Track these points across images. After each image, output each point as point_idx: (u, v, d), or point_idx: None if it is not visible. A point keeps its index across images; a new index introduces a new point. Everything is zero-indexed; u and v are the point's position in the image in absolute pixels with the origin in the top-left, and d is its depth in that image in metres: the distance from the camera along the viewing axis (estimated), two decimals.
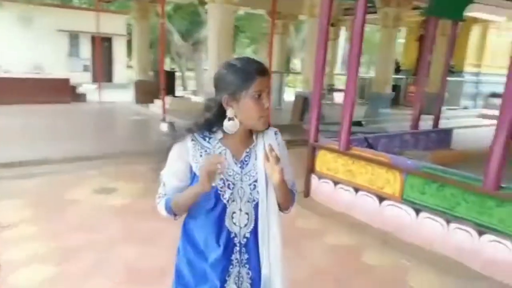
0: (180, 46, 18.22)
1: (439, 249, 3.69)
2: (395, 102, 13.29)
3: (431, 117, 6.80)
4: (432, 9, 6.55)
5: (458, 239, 3.58)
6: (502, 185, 3.34)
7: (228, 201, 1.43)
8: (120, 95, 14.31)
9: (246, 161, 1.47)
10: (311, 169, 5.00)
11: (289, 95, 13.87)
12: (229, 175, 1.43)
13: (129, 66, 20.60)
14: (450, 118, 11.06)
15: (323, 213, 4.51)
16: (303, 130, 7.93)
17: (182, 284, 1.51)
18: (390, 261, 3.61)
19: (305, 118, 9.80)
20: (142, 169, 6.00)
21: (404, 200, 4.06)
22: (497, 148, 3.32)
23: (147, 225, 3.99)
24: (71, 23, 18.51)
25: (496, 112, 12.19)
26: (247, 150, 1.48)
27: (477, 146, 7.37)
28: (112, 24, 18.38)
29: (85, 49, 19.88)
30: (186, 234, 1.51)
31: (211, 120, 1.44)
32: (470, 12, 7.26)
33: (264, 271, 1.46)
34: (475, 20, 14.09)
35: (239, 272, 1.47)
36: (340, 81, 19.41)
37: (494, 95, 14.26)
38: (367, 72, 26.19)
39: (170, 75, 13.48)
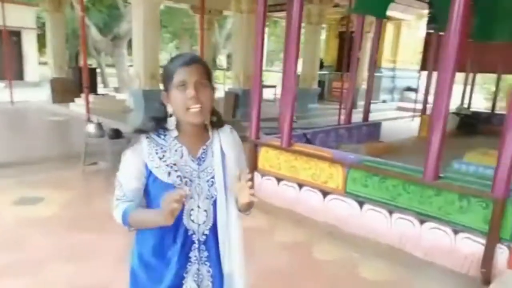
0: (99, 41, 17.15)
1: (384, 239, 3.82)
2: (321, 97, 13.74)
3: (356, 110, 7.10)
4: (357, 7, 6.82)
5: (401, 228, 3.74)
6: (441, 175, 3.54)
7: (186, 198, 1.36)
8: (33, 94, 13.15)
9: (203, 157, 1.46)
10: (253, 167, 4.93)
11: (217, 92, 13.70)
12: (186, 172, 1.42)
13: (42, 63, 19.01)
14: (372, 111, 11.66)
15: (268, 210, 4.47)
16: (237, 127, 7.87)
17: (139, 286, 1.50)
18: (339, 254, 3.66)
19: (237, 115, 9.75)
20: (70, 175, 5.53)
21: (347, 193, 4.15)
22: (435, 140, 3.50)
23: (81, 237, 3.66)
24: None
25: (411, 105, 13.09)
26: (204, 147, 1.48)
27: (401, 137, 7.90)
28: (21, 16, 16.82)
29: None
30: (141, 235, 1.49)
31: (159, 118, 1.45)
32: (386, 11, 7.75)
33: (225, 269, 1.46)
34: (389, 18, 15.05)
35: (198, 270, 1.46)
36: (267, 77, 19.61)
37: (409, 89, 15.38)
38: None
39: (91, 72, 12.64)
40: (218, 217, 1.45)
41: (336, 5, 14.65)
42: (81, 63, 9.32)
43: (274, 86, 14.18)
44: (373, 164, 4.02)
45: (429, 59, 9.03)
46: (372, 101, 7.42)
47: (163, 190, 1.32)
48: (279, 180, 4.73)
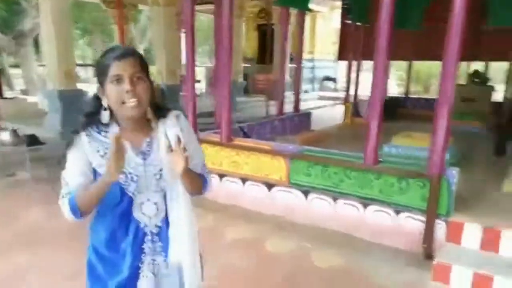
0: None
1: (331, 226, 3.92)
2: (245, 90, 13.81)
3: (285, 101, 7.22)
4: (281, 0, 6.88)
5: (346, 213, 3.87)
6: (380, 159, 3.71)
7: (134, 193, 1.43)
8: None
9: (148, 151, 1.45)
10: None
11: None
12: (132, 168, 1.41)
13: None
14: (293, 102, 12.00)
15: (214, 208, 4.36)
16: None
17: (95, 277, 1.51)
18: (291, 245, 3.69)
19: None
20: None
21: (291, 184, 4.19)
22: (373, 127, 3.65)
23: (15, 261, 3.26)
24: None
25: (331, 94, 13.68)
26: (148, 139, 1.46)
27: (329, 125, 8.20)
28: None
29: None
30: (94, 229, 1.51)
31: (92, 113, 1.43)
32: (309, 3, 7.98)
33: (172, 257, 1.48)
34: (311, 11, 15.54)
35: (153, 260, 1.49)
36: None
37: (327, 78, 16.05)
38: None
39: None
40: (168, 210, 1.47)
41: None
42: None
43: (198, 81, 13.93)
44: (314, 154, 4.10)
45: (348, 49, 9.44)
46: (293, 92, 7.57)
47: (110, 188, 1.34)
48: (221, 176, 4.64)
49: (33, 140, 5.69)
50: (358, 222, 3.79)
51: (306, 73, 16.24)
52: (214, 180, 4.64)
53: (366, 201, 3.76)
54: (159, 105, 1.50)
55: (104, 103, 1.40)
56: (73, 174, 1.40)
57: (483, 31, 7.07)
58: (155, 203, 1.46)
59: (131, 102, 1.35)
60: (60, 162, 1.43)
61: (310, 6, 14.54)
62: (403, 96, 10.22)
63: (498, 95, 8.22)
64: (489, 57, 8.70)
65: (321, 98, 14.14)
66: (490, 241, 3.14)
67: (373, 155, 3.68)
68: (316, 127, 7.52)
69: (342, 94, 14.05)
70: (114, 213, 1.44)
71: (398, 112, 9.11)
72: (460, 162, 4.29)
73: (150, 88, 1.41)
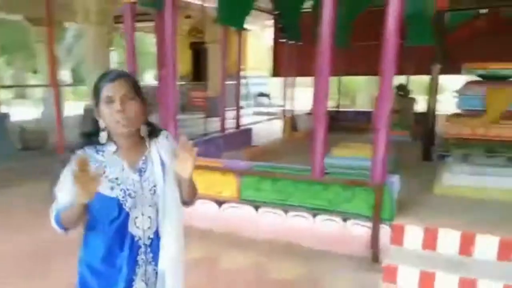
0: None
1: (283, 238, 4.03)
2: (181, 108, 13.71)
3: (215, 119, 7.32)
4: (220, 19, 7.03)
5: (297, 224, 4.00)
6: (326, 171, 3.90)
7: (130, 208, 1.50)
8: None
9: (143, 168, 1.55)
10: None
11: (70, 110, 12.49)
12: (129, 185, 1.50)
13: None
14: (233, 118, 12.15)
15: None
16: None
17: None
18: (246, 260, 3.73)
19: None
20: None
21: (242, 200, 4.26)
22: (319, 140, 3.84)
23: None
24: None
25: (265, 109, 13.96)
26: (143, 157, 1.56)
27: (269, 140, 8.40)
28: None
29: None
30: (88, 245, 1.56)
31: (90, 133, 1.52)
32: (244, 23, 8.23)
33: (160, 265, 1.56)
34: (246, 29, 15.90)
35: (145, 270, 1.56)
36: None
37: (261, 94, 16.43)
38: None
39: None
40: (160, 222, 1.55)
41: (188, 16, 14.85)
42: None
43: None
44: (264, 169, 4.22)
45: (281, 66, 9.82)
46: (230, 108, 7.70)
47: (107, 204, 1.46)
48: None
49: None
50: (309, 232, 3.94)
51: (240, 89, 16.51)
52: None
53: (315, 211, 3.93)
54: (152, 125, 1.60)
55: (101, 124, 1.49)
56: (63, 192, 1.48)
57: (404, 49, 7.75)
58: (149, 217, 1.54)
59: (121, 120, 1.44)
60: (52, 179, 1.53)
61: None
62: (335, 109, 10.77)
63: (420, 106, 9.00)
64: (411, 71, 9.52)
65: (257, 113, 14.41)
66: (430, 240, 3.43)
67: (320, 167, 3.87)
68: (258, 143, 7.69)
69: (276, 110, 14.53)
70: (111, 228, 1.50)
71: (332, 124, 9.58)
72: (395, 169, 4.64)
73: (143, 108, 1.52)
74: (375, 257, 3.59)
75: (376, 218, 3.62)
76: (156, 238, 1.56)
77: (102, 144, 1.51)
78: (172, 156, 1.55)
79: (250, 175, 4.21)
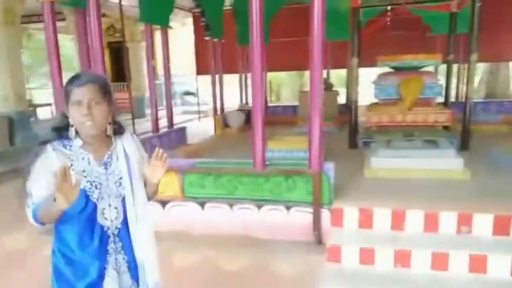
0: None
1: (230, 231, 4.13)
2: None
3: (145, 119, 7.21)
4: (143, 17, 6.89)
5: (243, 217, 4.12)
6: (267, 163, 4.07)
7: (97, 199, 1.61)
8: None
9: (109, 162, 1.67)
10: None
11: None
12: (95, 177, 1.62)
13: None
14: (161, 117, 11.92)
15: None
16: (19, 156, 6.84)
17: (63, 282, 1.64)
18: (196, 257, 3.78)
19: (16, 142, 8.42)
20: None
21: (186, 197, 4.28)
22: (258, 134, 3.99)
23: None
24: None
25: (193, 108, 13.84)
26: (109, 152, 1.68)
27: (203, 138, 8.42)
28: None
29: None
30: (60, 236, 1.64)
31: (60, 128, 1.62)
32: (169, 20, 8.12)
33: (138, 254, 1.69)
34: (171, 28, 15.53)
35: (116, 259, 1.67)
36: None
37: (187, 93, 16.27)
38: None
39: None
40: (127, 212, 1.67)
41: (103, 15, 14.20)
42: None
43: (49, 104, 12.73)
44: (207, 165, 4.28)
45: (206, 63, 9.84)
46: (159, 108, 7.62)
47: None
48: None
49: None
50: (255, 223, 4.08)
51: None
52: None
53: (259, 203, 4.08)
54: (118, 123, 1.73)
55: (71, 120, 1.60)
56: (37, 187, 1.56)
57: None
58: (116, 208, 1.67)
59: (87, 123, 1.56)
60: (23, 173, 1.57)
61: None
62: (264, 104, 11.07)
63: (342, 99, 9.60)
64: (330, 65, 10.10)
65: (185, 112, 14.27)
66: (366, 220, 3.74)
67: (261, 160, 4.02)
68: (192, 141, 7.68)
69: (204, 108, 14.49)
70: (80, 219, 1.59)
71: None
72: (326, 158, 4.95)
73: (109, 110, 1.63)
74: (319, 240, 3.84)
75: (317, 204, 3.86)
76: (124, 228, 1.69)
77: (69, 139, 1.62)
78: (138, 153, 1.75)
79: (192, 173, 4.24)
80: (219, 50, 9.47)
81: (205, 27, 9.11)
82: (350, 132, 6.66)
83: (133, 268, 1.72)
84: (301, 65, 3.83)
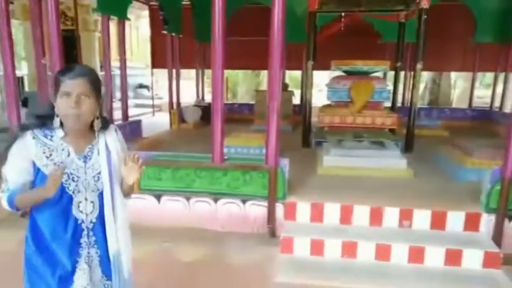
0: None
1: (187, 223, 4.20)
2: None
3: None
4: (100, 7, 6.76)
5: (200, 210, 4.21)
6: (225, 157, 4.18)
7: (73, 192, 1.62)
8: None
9: (89, 156, 1.66)
10: None
11: None
12: (73, 169, 1.62)
13: None
14: (115, 110, 11.64)
15: None
16: None
17: (35, 272, 1.64)
18: (152, 248, 3.81)
19: None
20: None
21: (143, 190, 4.29)
22: (217, 129, 4.08)
23: None
24: None
25: (147, 102, 13.63)
26: (90, 146, 1.67)
27: (158, 131, 8.37)
28: None
29: None
30: (34, 225, 1.63)
31: (45, 116, 1.60)
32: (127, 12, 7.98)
33: (112, 249, 1.71)
34: (110, 17, 15.12)
35: (88, 253, 1.68)
36: None
37: (141, 86, 15.96)
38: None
39: None
40: (105, 207, 1.68)
41: None
42: None
43: None
44: (165, 158, 4.31)
45: (163, 57, 9.77)
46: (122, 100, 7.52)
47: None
48: None
49: None
50: (211, 216, 4.18)
51: (118, 81, 15.78)
52: None
53: (216, 196, 4.18)
54: (105, 118, 1.73)
55: (56, 109, 1.59)
56: (14, 173, 1.57)
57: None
58: (92, 202, 1.66)
59: (73, 116, 1.56)
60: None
61: None
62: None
63: (297, 99, 9.88)
64: (286, 66, 10.35)
65: (138, 106, 14.01)
66: (317, 214, 3.96)
67: (219, 155, 4.12)
68: (147, 135, 7.62)
69: (158, 102, 14.31)
70: (54, 210, 1.60)
71: None
72: (281, 154, 5.14)
73: (97, 105, 1.63)
74: (273, 233, 4.00)
75: (272, 198, 4.02)
76: (98, 223, 1.69)
77: (51, 129, 1.61)
78: (120, 149, 1.76)
79: (150, 165, 4.26)
80: (176, 44, 9.44)
81: (163, 21, 9.04)
82: (304, 132, 6.91)
83: (105, 263, 1.72)
84: (259, 64, 3.93)
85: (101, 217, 1.69)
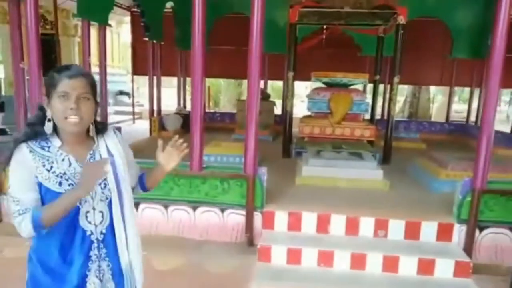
0: None
1: (164, 232, 4.17)
2: None
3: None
4: (80, 12, 6.71)
5: (178, 218, 4.19)
6: (204, 166, 4.18)
7: (80, 202, 1.49)
8: None
9: (91, 162, 1.53)
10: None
11: None
12: (77, 179, 1.48)
13: None
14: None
15: None
16: None
17: None
18: None
19: None
20: None
21: None
22: (196, 136, 4.09)
23: None
24: None
25: (125, 108, 13.50)
26: (91, 152, 1.56)
27: (139, 139, 8.30)
28: None
29: None
30: (39, 240, 1.51)
31: (35, 123, 1.49)
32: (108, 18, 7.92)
33: (124, 261, 1.61)
34: (91, 23, 14.99)
35: (99, 266, 1.57)
36: None
37: (121, 92, 15.81)
38: None
39: None
40: (114, 216, 1.57)
41: None
42: None
43: None
44: (144, 166, 4.26)
45: (144, 64, 9.73)
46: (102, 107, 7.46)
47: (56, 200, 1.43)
48: None
49: None
50: (189, 224, 4.16)
51: (98, 87, 15.59)
52: None
53: (195, 204, 4.17)
54: (103, 123, 1.65)
55: (48, 114, 1.48)
56: (23, 190, 1.43)
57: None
58: (101, 212, 1.56)
59: (73, 118, 1.45)
60: None
61: None
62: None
63: (278, 109, 9.96)
64: (267, 77, 10.45)
65: (118, 113, 13.86)
66: (295, 223, 3.99)
67: (198, 163, 4.12)
68: (127, 142, 7.52)
69: (139, 109, 14.19)
70: (62, 224, 1.47)
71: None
72: (260, 164, 5.17)
73: (94, 107, 1.54)
74: (251, 242, 4.01)
75: (250, 207, 4.04)
76: (109, 233, 1.57)
77: (46, 139, 1.50)
78: (123, 150, 1.68)
79: None
80: (157, 52, 9.43)
81: (144, 27, 9.03)
82: (284, 142, 6.97)
83: (118, 275, 1.61)
84: (240, 73, 3.95)
85: (111, 228, 1.58)
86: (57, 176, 1.46)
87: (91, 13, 6.82)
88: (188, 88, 16.71)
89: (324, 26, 9.52)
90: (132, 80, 12.38)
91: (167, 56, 10.00)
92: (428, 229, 3.86)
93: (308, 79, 7.76)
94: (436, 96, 18.95)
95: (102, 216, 1.56)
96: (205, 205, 4.16)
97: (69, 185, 1.47)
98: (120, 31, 18.64)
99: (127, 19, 13.53)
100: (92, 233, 1.54)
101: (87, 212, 1.52)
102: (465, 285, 3.44)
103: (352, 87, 7.40)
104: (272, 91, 15.77)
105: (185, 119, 9.05)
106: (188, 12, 3.96)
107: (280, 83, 12.12)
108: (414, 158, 6.10)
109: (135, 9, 10.14)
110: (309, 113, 7.55)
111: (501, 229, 3.89)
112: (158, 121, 8.95)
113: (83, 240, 1.52)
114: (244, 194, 4.07)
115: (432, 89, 16.13)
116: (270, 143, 8.13)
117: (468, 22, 9.31)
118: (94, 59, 15.68)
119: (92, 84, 1.52)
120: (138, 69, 11.34)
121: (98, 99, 1.58)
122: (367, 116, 8.05)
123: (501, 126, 11.31)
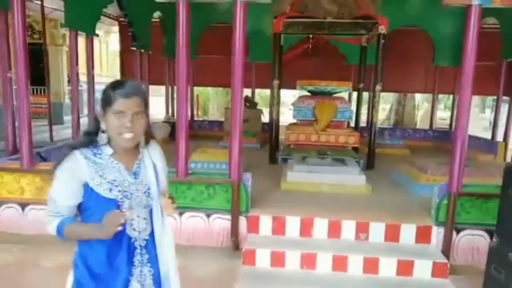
0: None
1: None
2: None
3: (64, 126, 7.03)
4: (67, 23, 6.78)
5: None
6: (190, 172, 4.27)
7: (127, 210, 1.56)
8: None
9: (138, 171, 1.63)
10: None
11: None
12: (126, 186, 1.58)
13: None
14: (82, 125, 11.47)
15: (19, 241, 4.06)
16: None
17: None
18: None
19: None
20: None
21: None
22: (182, 144, 4.18)
23: None
24: None
25: None
26: (137, 161, 1.65)
27: None
28: None
29: None
30: (87, 249, 1.57)
31: (90, 133, 1.57)
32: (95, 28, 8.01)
33: (163, 268, 1.68)
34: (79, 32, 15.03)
35: (141, 271, 1.63)
36: None
37: None
38: None
39: None
40: (154, 223, 1.66)
41: None
42: None
43: None
44: None
45: (131, 73, 9.80)
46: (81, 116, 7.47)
47: (105, 205, 1.52)
48: (24, 206, 4.33)
49: None
50: (176, 229, 4.21)
51: (86, 96, 15.61)
52: (14, 210, 4.34)
53: (181, 210, 4.24)
54: (150, 134, 1.70)
55: (103, 126, 1.55)
56: (63, 195, 1.51)
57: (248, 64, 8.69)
58: (144, 219, 1.63)
59: (128, 135, 1.53)
60: None
61: None
62: (189, 118, 11.22)
63: (266, 117, 10.09)
64: (254, 85, 10.60)
65: None
66: (279, 227, 4.08)
67: (184, 169, 4.21)
68: None
69: None
70: None
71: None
72: (247, 170, 5.27)
73: (147, 122, 1.60)
74: (236, 246, 4.09)
75: (235, 211, 4.12)
76: (151, 240, 1.65)
77: (97, 147, 1.57)
78: (162, 162, 1.75)
79: None
80: (145, 60, 9.52)
81: (132, 37, 9.11)
82: (271, 149, 7.08)
83: (158, 282, 1.67)
84: (228, 82, 4.03)
85: (153, 235, 1.65)
86: (108, 182, 1.54)
87: (78, 24, 6.90)
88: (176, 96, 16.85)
89: (310, 36, 9.69)
90: None
91: (155, 65, 10.09)
92: (408, 232, 3.98)
93: (295, 87, 7.91)
94: (422, 103, 19.31)
95: (146, 223, 1.63)
96: (191, 210, 4.24)
97: (118, 191, 1.55)
98: (109, 40, 18.74)
99: (116, 28, 13.60)
100: (136, 240, 1.61)
101: (132, 219, 1.59)
102: (442, 285, 3.55)
103: (337, 95, 7.56)
104: (261, 99, 15.94)
105: (174, 128, 9.09)
106: (175, 21, 4.06)
107: (268, 91, 12.28)
108: (396, 164, 6.25)
109: (123, 19, 10.22)
110: (295, 121, 7.69)
111: (478, 230, 4.03)
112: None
113: (129, 246, 1.59)
114: (229, 199, 4.16)
115: (418, 96, 16.44)
116: (258, 150, 8.24)
117: (449, 31, 9.57)
118: (82, 68, 15.80)
119: (145, 100, 1.58)
120: (126, 77, 11.40)
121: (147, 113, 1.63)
122: (352, 124, 8.21)
123: (485, 133, 11.56)
